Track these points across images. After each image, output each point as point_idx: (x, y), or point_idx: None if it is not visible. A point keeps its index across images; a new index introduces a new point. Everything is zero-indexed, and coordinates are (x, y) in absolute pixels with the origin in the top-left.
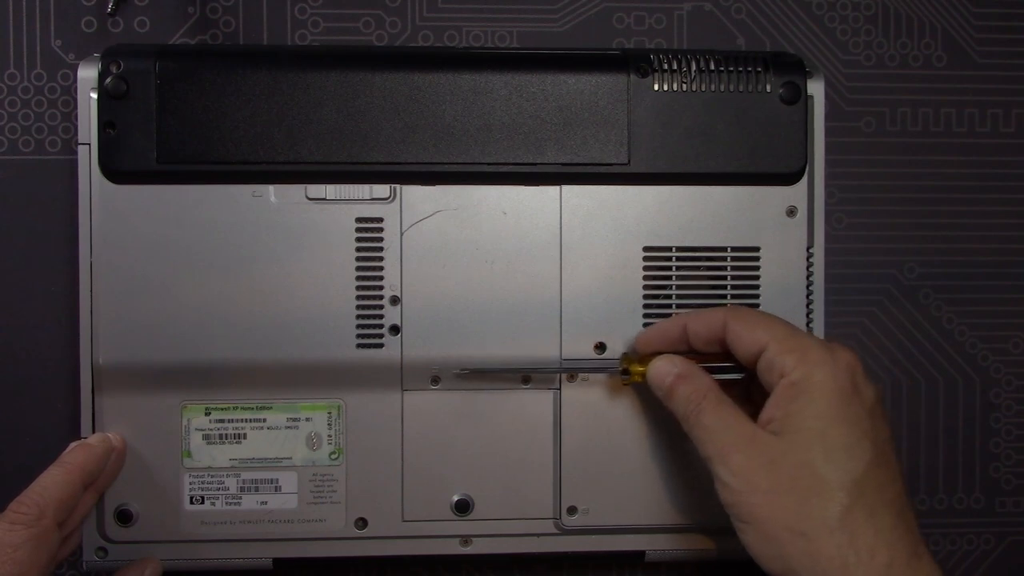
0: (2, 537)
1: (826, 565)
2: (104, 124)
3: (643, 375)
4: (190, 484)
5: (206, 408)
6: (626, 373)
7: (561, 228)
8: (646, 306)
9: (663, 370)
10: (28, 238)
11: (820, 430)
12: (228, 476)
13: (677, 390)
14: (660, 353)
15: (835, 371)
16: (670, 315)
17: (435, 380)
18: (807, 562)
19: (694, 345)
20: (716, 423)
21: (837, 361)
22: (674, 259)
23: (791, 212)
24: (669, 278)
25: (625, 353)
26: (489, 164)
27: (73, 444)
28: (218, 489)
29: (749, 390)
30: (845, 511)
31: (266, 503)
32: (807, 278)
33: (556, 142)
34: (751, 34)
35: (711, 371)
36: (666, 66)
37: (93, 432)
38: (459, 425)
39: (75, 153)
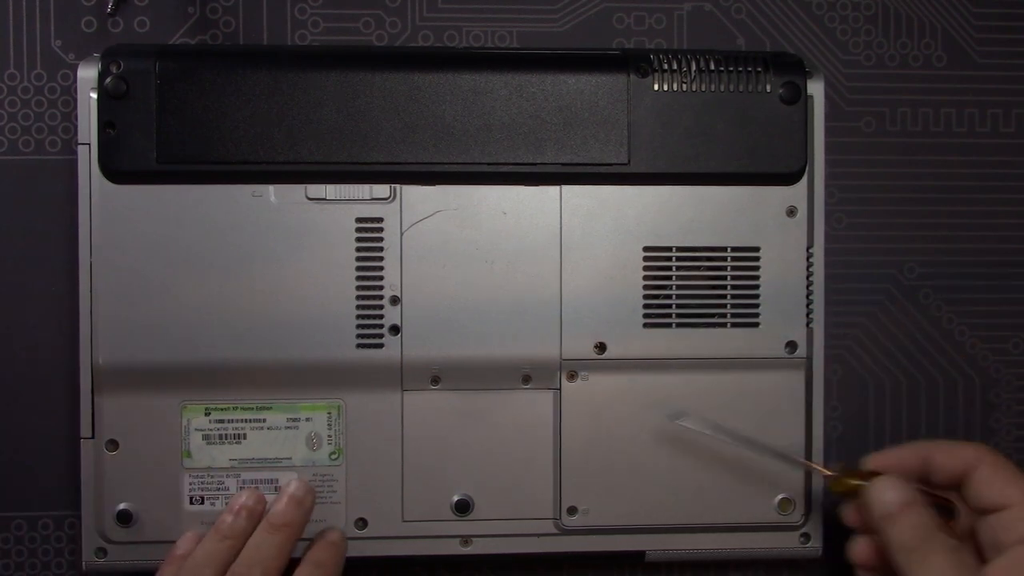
0: None
1: None
2: (104, 124)
3: (855, 488)
4: (190, 484)
5: (206, 408)
6: (846, 493)
7: (561, 228)
8: (646, 306)
9: (892, 489)
10: (28, 238)
11: None
12: (228, 476)
13: (904, 517)
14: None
15: None
16: (670, 315)
17: (435, 380)
18: None
19: (935, 478)
20: (947, 567)
21: None
22: (674, 259)
23: (791, 212)
24: (669, 278)
25: (841, 462)
26: (489, 164)
27: (320, 540)
28: (218, 489)
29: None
30: None
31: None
32: (807, 278)
33: (556, 142)
34: (751, 34)
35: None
36: (666, 66)
37: (93, 432)
38: (459, 425)
39: (75, 153)
